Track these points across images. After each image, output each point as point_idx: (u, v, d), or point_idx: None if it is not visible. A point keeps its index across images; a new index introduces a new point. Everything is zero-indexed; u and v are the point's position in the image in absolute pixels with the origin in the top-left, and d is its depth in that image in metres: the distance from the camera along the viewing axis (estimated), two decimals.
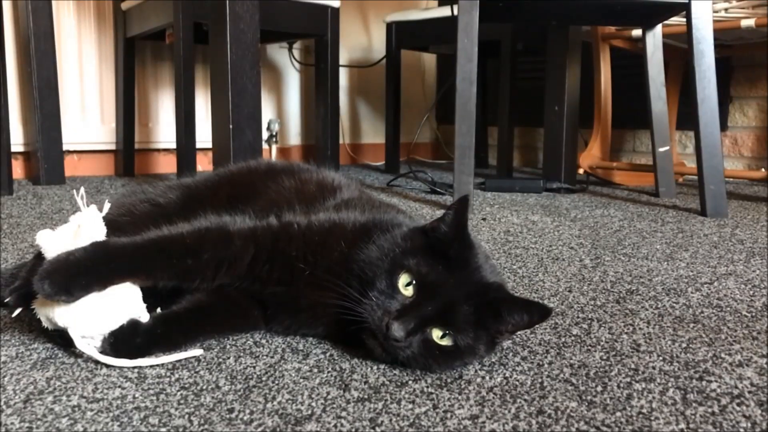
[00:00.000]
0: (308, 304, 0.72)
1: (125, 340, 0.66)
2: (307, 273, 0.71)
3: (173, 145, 2.39)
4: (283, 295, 0.73)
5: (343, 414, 0.56)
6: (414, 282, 0.66)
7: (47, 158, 2.12)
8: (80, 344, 0.64)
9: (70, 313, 0.63)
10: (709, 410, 0.59)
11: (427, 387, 0.62)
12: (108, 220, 0.73)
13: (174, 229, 0.72)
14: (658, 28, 2.03)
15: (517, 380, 0.64)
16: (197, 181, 0.98)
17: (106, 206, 0.73)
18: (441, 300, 0.65)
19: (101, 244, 0.67)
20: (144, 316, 0.68)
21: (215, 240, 0.71)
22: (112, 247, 0.67)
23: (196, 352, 0.68)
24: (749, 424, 0.56)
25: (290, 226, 0.74)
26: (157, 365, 0.65)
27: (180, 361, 0.67)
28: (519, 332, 0.78)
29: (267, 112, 2.92)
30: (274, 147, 2.86)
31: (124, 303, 0.66)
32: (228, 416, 0.55)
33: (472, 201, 0.70)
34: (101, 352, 0.65)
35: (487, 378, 0.65)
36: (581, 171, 2.48)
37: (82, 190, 0.72)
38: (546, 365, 0.68)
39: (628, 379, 0.65)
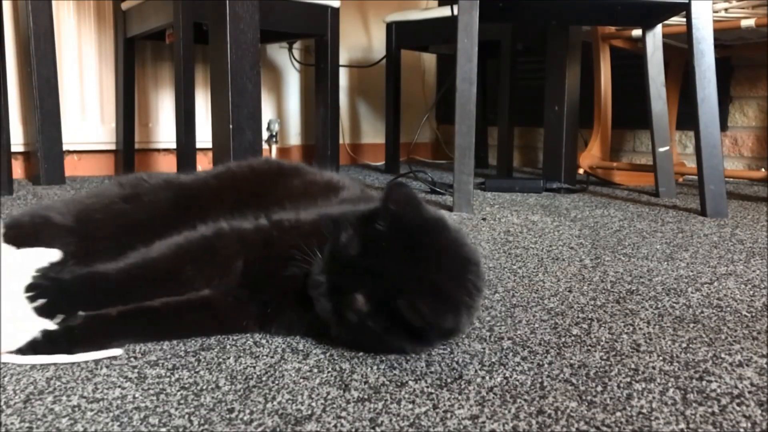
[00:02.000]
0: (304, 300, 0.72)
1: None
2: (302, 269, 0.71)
3: (173, 145, 2.39)
4: (281, 294, 0.73)
5: (343, 414, 0.56)
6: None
7: (47, 158, 2.12)
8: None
9: None
10: (709, 410, 0.59)
11: (427, 387, 0.62)
12: (77, 212, 0.74)
13: (150, 253, 0.73)
14: (658, 28, 2.03)
15: (517, 380, 0.64)
16: (197, 180, 0.95)
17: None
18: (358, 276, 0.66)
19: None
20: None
21: (198, 256, 0.72)
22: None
23: (116, 351, 0.68)
24: (749, 424, 0.56)
25: (280, 224, 0.74)
26: (157, 365, 0.65)
27: (180, 360, 0.67)
28: (519, 333, 0.78)
29: (267, 112, 2.92)
30: (274, 147, 2.86)
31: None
32: (228, 416, 0.55)
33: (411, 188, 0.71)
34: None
35: (487, 378, 0.65)
36: (581, 171, 2.48)
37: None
38: (546, 365, 0.68)
39: (628, 379, 0.65)
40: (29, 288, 0.68)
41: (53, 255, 0.78)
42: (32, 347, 0.65)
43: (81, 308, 0.68)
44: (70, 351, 0.66)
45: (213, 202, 0.88)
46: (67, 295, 0.69)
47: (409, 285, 0.65)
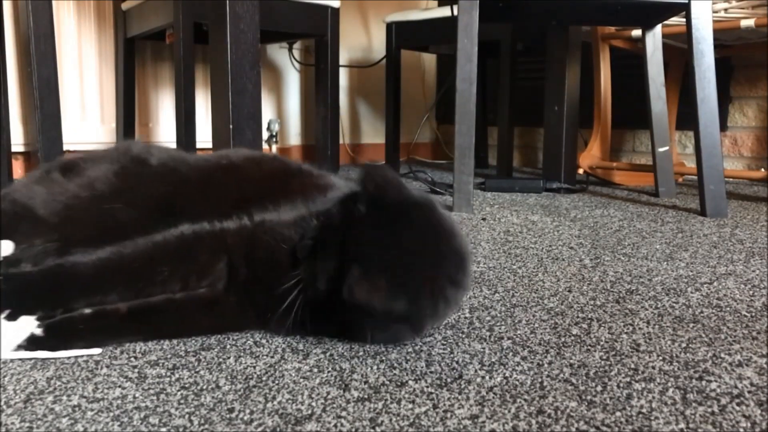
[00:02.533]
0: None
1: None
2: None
3: (173, 145, 2.39)
4: (277, 295, 0.73)
5: (343, 414, 0.56)
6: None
7: (47, 158, 2.11)
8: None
9: None
10: (709, 410, 0.59)
11: (427, 387, 0.62)
12: (63, 206, 0.75)
13: (123, 249, 0.71)
14: (658, 28, 2.03)
15: (517, 380, 0.64)
16: (201, 172, 0.88)
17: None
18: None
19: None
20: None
21: (174, 256, 0.71)
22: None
23: (94, 351, 0.68)
24: (749, 424, 0.56)
25: (262, 224, 0.74)
26: (157, 365, 0.65)
27: (180, 360, 0.67)
28: (519, 333, 0.78)
29: (267, 112, 2.92)
30: (274, 147, 2.86)
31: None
32: (228, 416, 0.55)
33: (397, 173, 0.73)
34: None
35: (487, 378, 0.65)
36: (581, 171, 2.48)
37: None
38: (546, 365, 0.69)
39: (628, 379, 0.65)
40: None
41: (6, 247, 0.76)
42: (32, 342, 0.65)
43: (43, 305, 0.67)
44: (67, 347, 0.66)
45: (209, 199, 0.84)
46: (27, 290, 0.68)
47: (367, 262, 0.64)
